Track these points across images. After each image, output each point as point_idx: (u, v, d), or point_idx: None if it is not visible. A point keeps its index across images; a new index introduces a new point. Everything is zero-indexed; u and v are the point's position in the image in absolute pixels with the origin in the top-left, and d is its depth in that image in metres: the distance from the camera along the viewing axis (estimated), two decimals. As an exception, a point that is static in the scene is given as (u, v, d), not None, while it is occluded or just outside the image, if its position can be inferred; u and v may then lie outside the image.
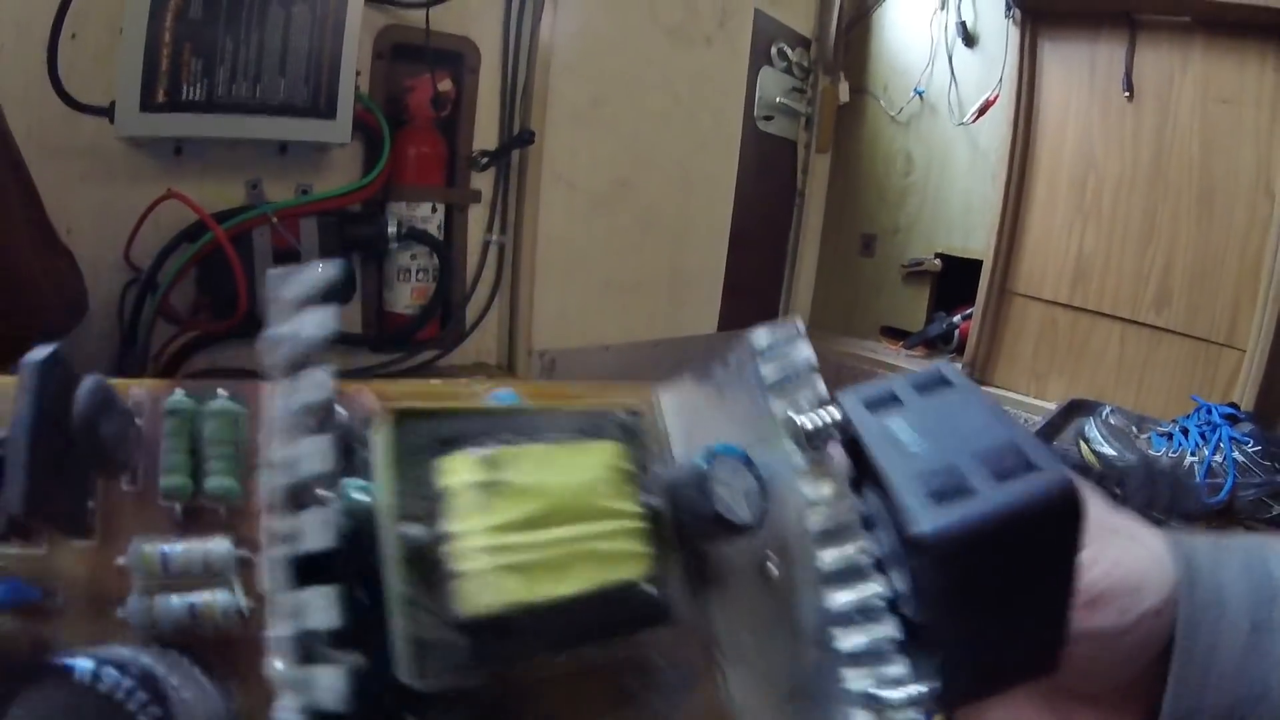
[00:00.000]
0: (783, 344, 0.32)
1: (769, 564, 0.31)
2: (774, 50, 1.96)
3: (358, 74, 1.17)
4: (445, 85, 1.28)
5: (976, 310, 1.87)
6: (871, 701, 0.26)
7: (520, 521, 0.27)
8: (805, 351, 0.31)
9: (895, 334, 2.16)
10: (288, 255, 1.16)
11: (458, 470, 0.28)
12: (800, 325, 0.32)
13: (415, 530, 0.26)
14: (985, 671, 0.27)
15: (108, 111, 0.98)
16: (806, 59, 2.07)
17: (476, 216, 1.44)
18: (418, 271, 1.32)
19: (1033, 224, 1.84)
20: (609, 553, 0.28)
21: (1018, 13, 1.79)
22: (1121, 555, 0.30)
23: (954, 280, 2.01)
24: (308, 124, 1.11)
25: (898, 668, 0.26)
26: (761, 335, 0.33)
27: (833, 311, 2.32)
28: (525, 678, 0.29)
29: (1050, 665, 0.27)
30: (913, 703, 0.25)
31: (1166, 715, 0.29)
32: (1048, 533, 0.24)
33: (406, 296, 1.32)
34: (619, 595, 0.28)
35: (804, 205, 2.19)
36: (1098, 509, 0.29)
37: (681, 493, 0.30)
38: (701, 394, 0.36)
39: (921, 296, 2.10)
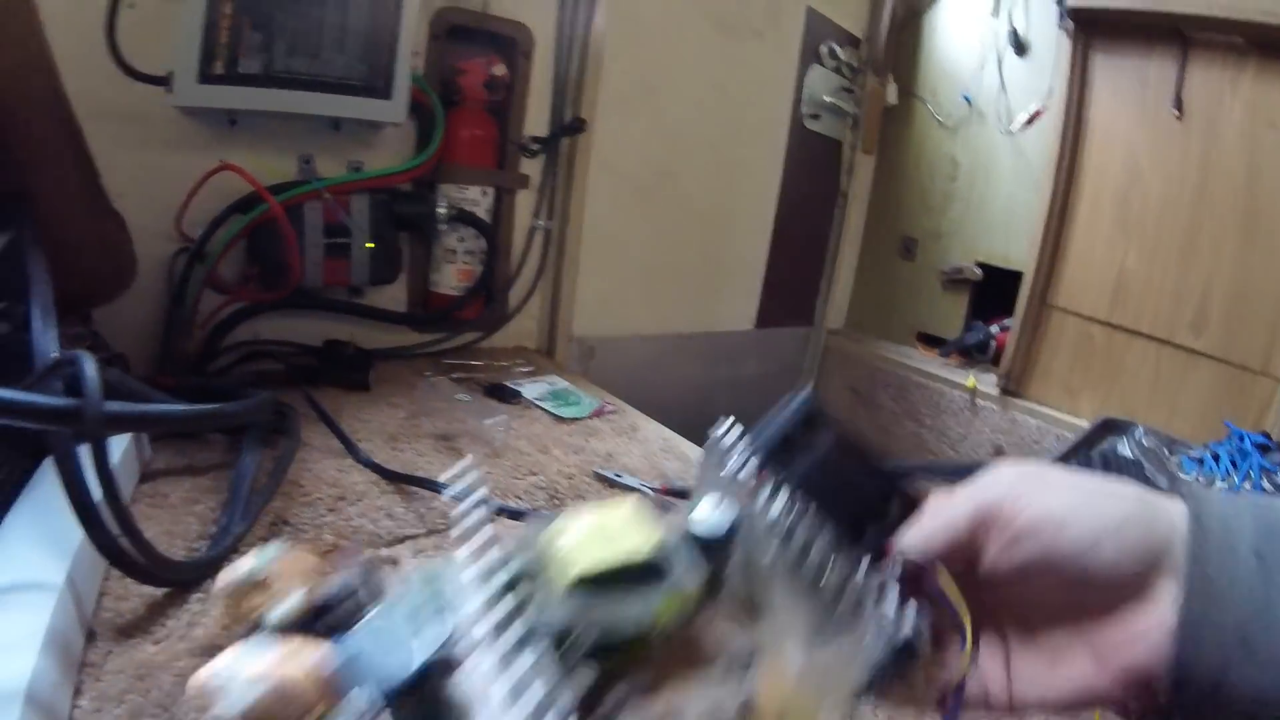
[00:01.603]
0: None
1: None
2: (824, 49, 1.96)
3: (414, 54, 1.17)
4: (499, 69, 1.28)
5: (1014, 321, 1.86)
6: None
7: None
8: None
9: (931, 340, 2.15)
10: (338, 230, 1.17)
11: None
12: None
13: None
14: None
15: (165, 81, 0.99)
16: (856, 59, 2.06)
17: (524, 201, 1.45)
18: (464, 253, 1.32)
19: (1075, 238, 1.83)
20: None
21: (1070, 24, 1.78)
22: (1042, 498, 0.36)
23: (993, 289, 2.01)
24: (364, 102, 1.12)
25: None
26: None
27: (869, 314, 2.31)
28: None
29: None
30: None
31: (1178, 624, 0.33)
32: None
33: (452, 277, 1.33)
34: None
35: (846, 206, 2.18)
36: (1048, 470, 0.38)
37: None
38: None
39: (959, 304, 2.09)
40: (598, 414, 1.17)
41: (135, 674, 0.51)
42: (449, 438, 0.99)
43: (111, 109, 0.99)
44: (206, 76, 1.00)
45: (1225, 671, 0.32)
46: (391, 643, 0.33)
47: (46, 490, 0.62)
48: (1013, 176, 1.96)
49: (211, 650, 0.53)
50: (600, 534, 0.36)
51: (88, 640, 0.53)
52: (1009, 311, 1.89)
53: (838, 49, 1.98)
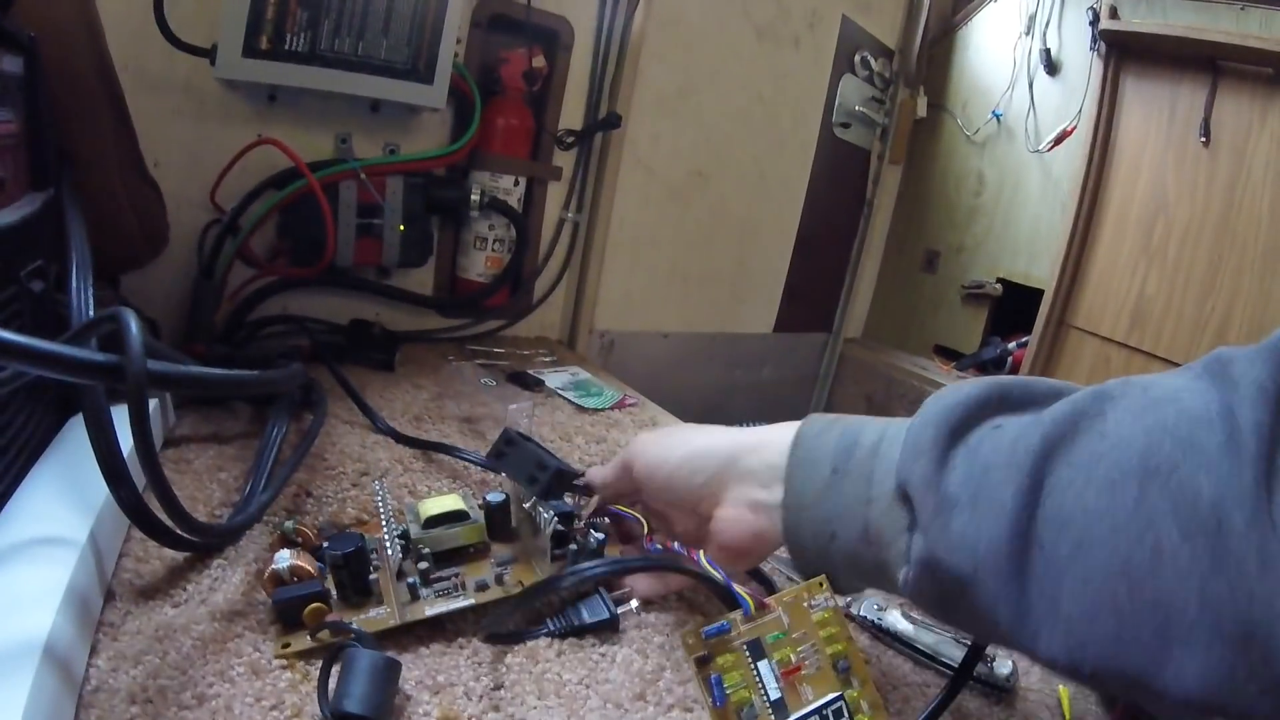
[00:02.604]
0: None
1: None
2: (858, 58, 1.96)
3: (457, 41, 1.18)
4: (539, 61, 1.29)
5: (1032, 340, 1.86)
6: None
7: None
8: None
9: (948, 354, 2.15)
10: (372, 211, 1.18)
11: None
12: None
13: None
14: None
15: (209, 53, 0.99)
16: (888, 70, 2.07)
17: (555, 193, 1.46)
18: (494, 241, 1.33)
19: (1097, 259, 1.83)
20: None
21: (1103, 46, 1.78)
22: (648, 450, 0.64)
23: (1012, 306, 2.01)
24: (405, 86, 1.13)
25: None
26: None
27: (888, 325, 2.32)
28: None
29: None
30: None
31: (783, 520, 0.54)
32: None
33: (480, 264, 1.34)
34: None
35: (871, 215, 2.18)
36: (667, 430, 0.67)
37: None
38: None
39: (979, 319, 2.09)
40: (619, 406, 1.17)
41: (154, 635, 0.51)
42: (473, 420, 1.00)
43: (154, 77, 1.00)
44: (251, 51, 1.00)
45: (823, 551, 0.51)
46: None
47: (73, 446, 0.63)
48: (1039, 195, 1.97)
49: (231, 616, 0.54)
50: (439, 503, 0.64)
51: (106, 600, 0.54)
52: (1028, 329, 1.89)
53: (871, 59, 1.99)
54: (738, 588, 0.51)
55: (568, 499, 0.66)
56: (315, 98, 1.12)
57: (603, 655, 0.57)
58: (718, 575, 0.53)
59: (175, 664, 0.49)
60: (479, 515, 0.64)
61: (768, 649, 0.49)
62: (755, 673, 0.48)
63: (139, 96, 0.88)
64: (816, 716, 0.48)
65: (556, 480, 0.64)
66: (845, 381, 2.28)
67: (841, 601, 0.67)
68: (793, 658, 0.49)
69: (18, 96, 0.65)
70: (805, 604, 0.52)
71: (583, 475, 0.68)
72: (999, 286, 2.03)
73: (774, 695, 0.48)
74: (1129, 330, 1.77)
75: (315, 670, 0.49)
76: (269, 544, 0.63)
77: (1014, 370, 1.93)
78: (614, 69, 1.45)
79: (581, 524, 0.64)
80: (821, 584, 0.52)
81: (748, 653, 0.49)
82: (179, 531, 0.56)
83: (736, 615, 0.50)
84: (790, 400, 2.25)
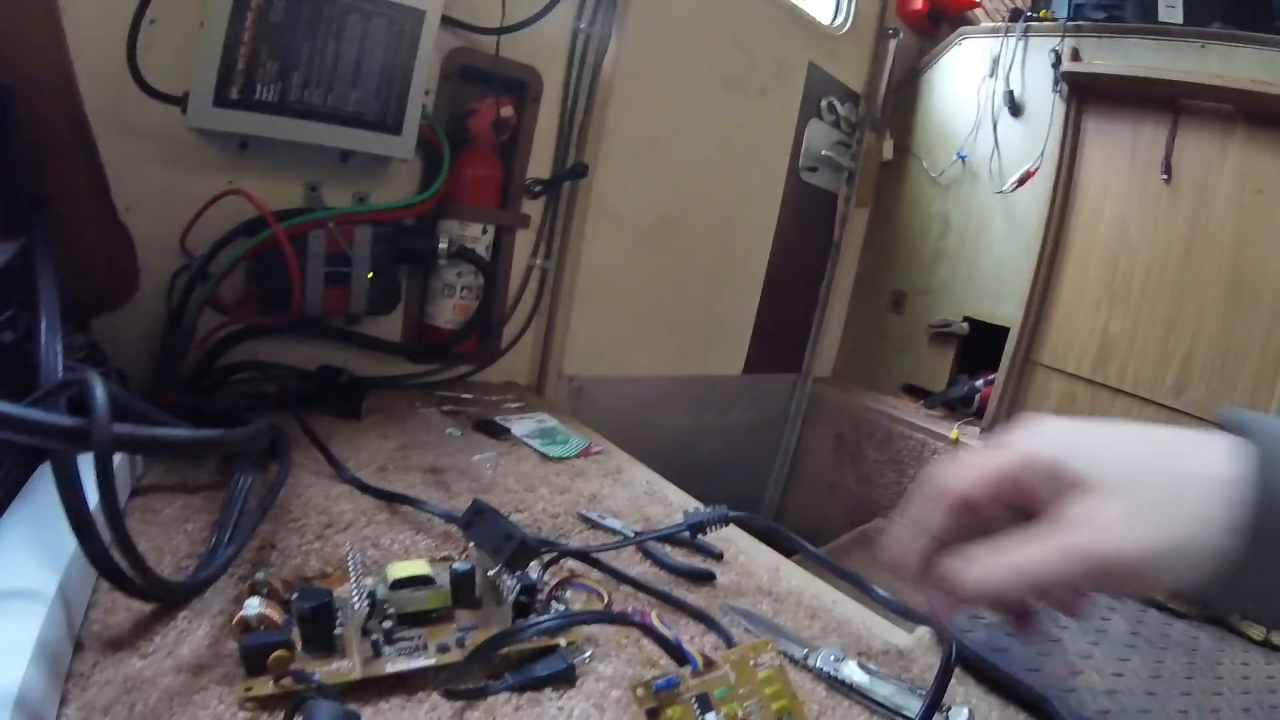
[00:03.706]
0: None
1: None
2: (824, 103, 2.00)
3: (426, 92, 1.20)
4: (507, 111, 1.31)
5: (999, 377, 1.89)
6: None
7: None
8: None
9: (917, 392, 2.18)
10: (340, 259, 1.19)
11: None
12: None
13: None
14: None
15: (181, 101, 1.00)
16: (854, 114, 2.11)
17: (524, 240, 1.48)
18: (462, 289, 1.34)
19: (1062, 298, 1.86)
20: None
21: (1065, 87, 1.82)
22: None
23: (979, 345, 2.04)
24: (374, 137, 1.14)
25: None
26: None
27: (857, 365, 2.34)
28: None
29: None
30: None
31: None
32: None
33: (449, 311, 1.35)
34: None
35: (839, 257, 2.22)
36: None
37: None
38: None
39: (946, 358, 2.12)
40: (585, 454, 1.18)
41: (122, 687, 0.52)
42: (438, 471, 1.00)
43: (127, 124, 1.01)
44: (221, 100, 1.02)
45: None
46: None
47: (41, 497, 0.63)
48: (1004, 236, 2.00)
49: (197, 669, 0.55)
50: (406, 567, 0.64)
51: (75, 651, 0.54)
52: (994, 366, 1.92)
53: (837, 104, 2.03)
54: (686, 645, 0.53)
55: (531, 571, 0.68)
56: (286, 146, 1.13)
57: (560, 709, 0.58)
58: (667, 633, 0.55)
59: (143, 715, 0.50)
60: (445, 581, 0.65)
61: (715, 703, 0.51)
62: (703, 724, 0.50)
63: (111, 142, 0.89)
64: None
65: (521, 551, 0.65)
66: (815, 421, 2.30)
67: (797, 653, 0.69)
68: (739, 711, 0.51)
69: (-9, 146, 0.66)
70: (751, 662, 0.53)
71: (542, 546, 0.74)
72: (965, 325, 2.06)
73: (722, 746, 0.49)
74: (1094, 367, 1.80)
75: (278, 723, 0.49)
76: (235, 596, 0.64)
77: (981, 407, 1.95)
78: (582, 118, 1.47)
79: (544, 596, 0.67)
80: (767, 644, 0.54)
81: (696, 706, 0.50)
82: (145, 585, 0.56)
83: (685, 671, 0.52)
84: (761, 441, 2.27)
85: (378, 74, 1.12)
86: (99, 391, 0.48)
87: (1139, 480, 0.39)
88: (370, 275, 1.22)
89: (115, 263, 0.96)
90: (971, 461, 0.44)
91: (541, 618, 0.60)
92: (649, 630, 0.57)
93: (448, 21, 1.22)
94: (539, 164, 1.44)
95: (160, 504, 0.78)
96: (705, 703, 0.50)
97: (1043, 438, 0.43)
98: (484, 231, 1.35)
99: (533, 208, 1.46)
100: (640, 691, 0.50)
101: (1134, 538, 0.38)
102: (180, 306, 1.07)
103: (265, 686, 0.53)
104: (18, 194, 0.70)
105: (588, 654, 0.63)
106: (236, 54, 1.01)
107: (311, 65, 1.07)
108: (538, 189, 1.44)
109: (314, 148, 1.15)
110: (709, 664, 0.53)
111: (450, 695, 0.57)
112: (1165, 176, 1.68)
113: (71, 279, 0.75)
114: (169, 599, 0.61)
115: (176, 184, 1.08)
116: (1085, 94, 1.82)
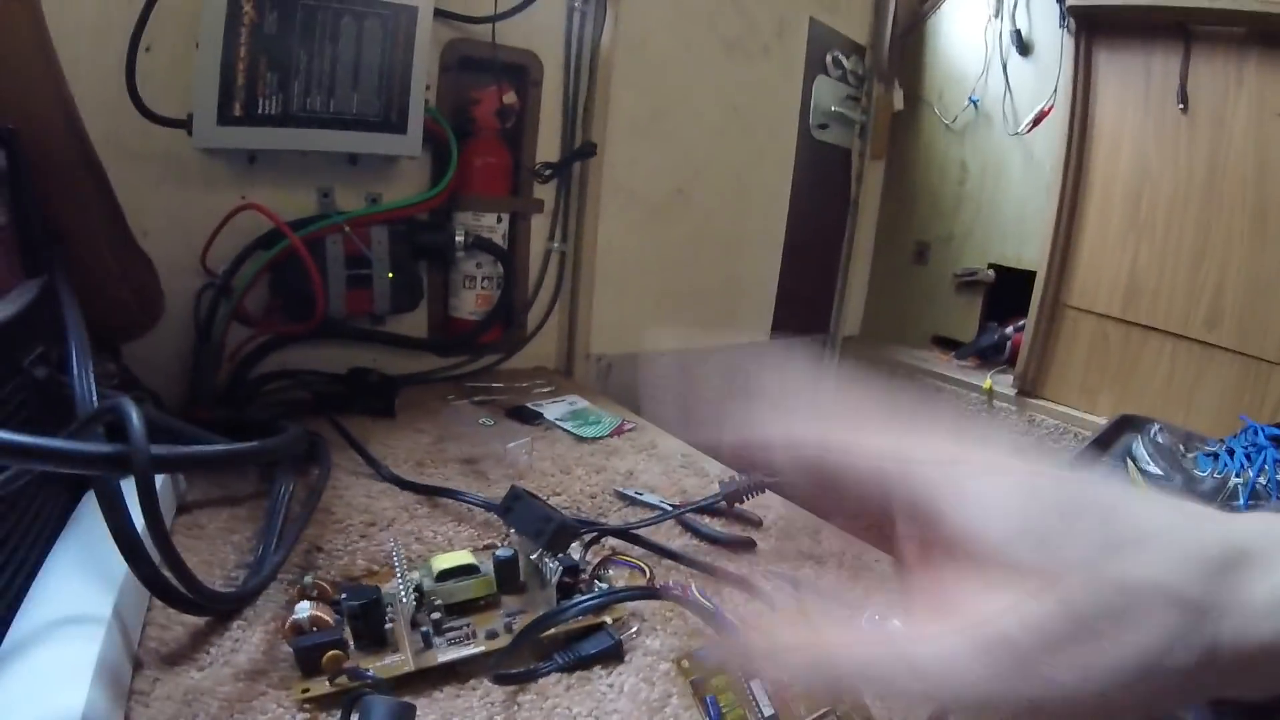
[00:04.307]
0: None
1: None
2: (829, 58, 1.98)
3: (427, 87, 1.20)
4: (510, 97, 1.31)
5: (1029, 323, 1.87)
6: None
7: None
8: None
9: (947, 344, 2.16)
10: (359, 261, 1.20)
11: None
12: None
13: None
14: None
15: (185, 124, 1.01)
16: (861, 67, 2.08)
17: (539, 225, 1.48)
18: (482, 279, 1.35)
19: (1086, 237, 1.83)
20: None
21: (1072, 22, 1.79)
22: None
23: (1006, 291, 2.01)
24: (380, 138, 1.15)
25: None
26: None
27: (885, 320, 2.33)
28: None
29: None
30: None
31: None
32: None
33: (471, 303, 1.36)
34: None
35: (857, 213, 2.19)
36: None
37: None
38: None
39: (974, 307, 2.10)
40: (617, 432, 1.19)
41: (182, 700, 0.53)
42: (474, 461, 1.01)
43: (135, 150, 1.02)
44: (225, 118, 1.03)
45: None
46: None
47: (88, 524, 0.64)
48: (1022, 178, 1.98)
49: (254, 675, 0.56)
50: (451, 558, 0.66)
51: (135, 669, 0.56)
52: (1023, 312, 1.90)
53: (843, 58, 2.00)
54: (727, 614, 0.53)
55: (573, 552, 0.69)
56: (294, 156, 1.15)
57: (610, 686, 0.59)
58: (707, 604, 0.55)
59: (205, 725, 0.51)
60: (489, 569, 0.66)
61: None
62: (748, 692, 0.50)
63: (121, 170, 0.90)
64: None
65: (560, 533, 0.66)
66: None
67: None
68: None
69: (3, 189, 0.67)
70: None
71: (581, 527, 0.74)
72: (991, 272, 2.04)
73: (767, 712, 0.50)
74: (1124, 305, 1.77)
75: (336, 720, 0.50)
76: (286, 601, 0.65)
77: (1013, 355, 1.94)
78: (586, 97, 1.47)
79: (586, 576, 0.68)
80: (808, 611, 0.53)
81: (740, 673, 0.50)
82: (197, 599, 0.58)
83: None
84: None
85: (377, 74, 1.12)
86: (134, 416, 0.49)
87: (1067, 581, 0.30)
88: (390, 274, 1.23)
89: (139, 288, 0.97)
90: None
91: (582, 598, 0.61)
92: (688, 603, 0.57)
93: (441, 14, 1.22)
94: (547, 147, 1.44)
95: (206, 518, 0.80)
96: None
97: None
98: (499, 220, 1.36)
99: (545, 192, 1.47)
100: (685, 663, 0.50)
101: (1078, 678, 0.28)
102: (207, 324, 1.09)
103: (321, 686, 0.54)
104: (35, 232, 0.72)
105: (634, 629, 0.64)
106: (235, 70, 1.01)
107: (310, 73, 1.07)
108: (547, 172, 1.44)
109: (322, 154, 1.16)
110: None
111: (500, 680, 0.58)
112: (1181, 106, 1.64)
113: (98, 308, 0.76)
114: (222, 610, 0.63)
115: (190, 204, 1.10)
116: (1093, 27, 1.78)
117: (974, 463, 0.37)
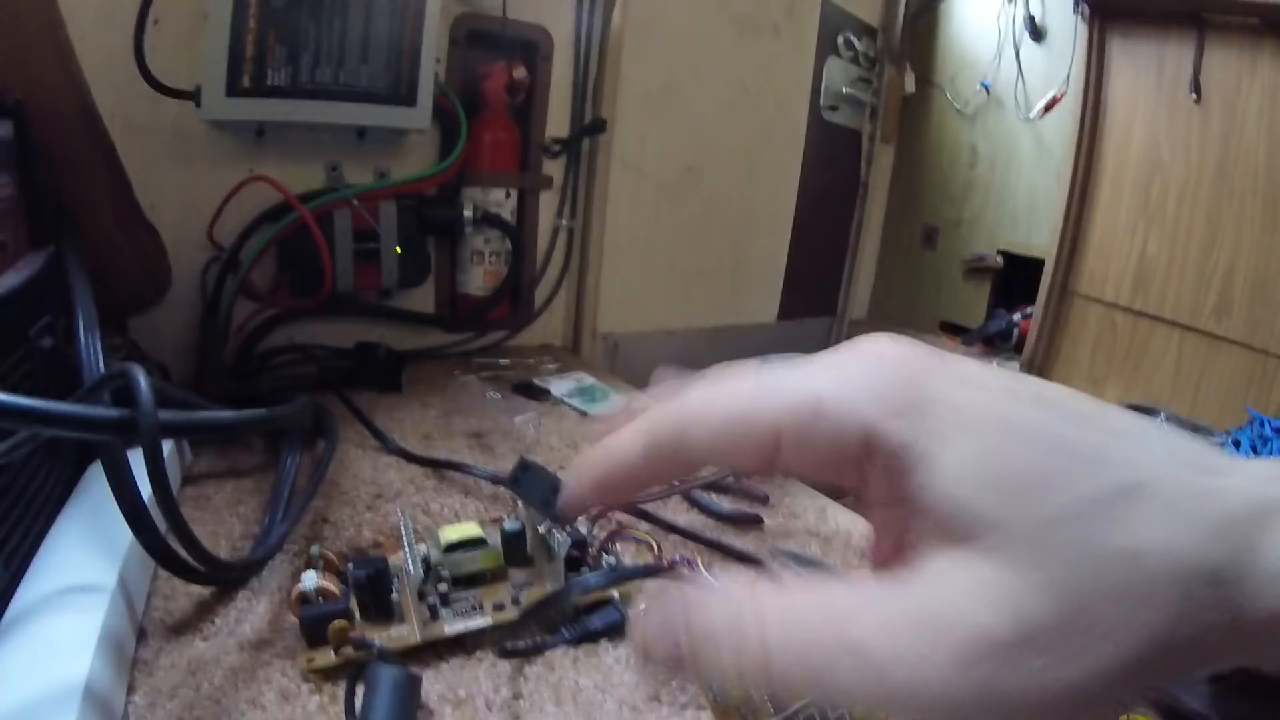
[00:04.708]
0: None
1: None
2: (840, 40, 1.96)
3: (436, 61, 1.19)
4: (520, 73, 1.30)
5: (1037, 309, 1.87)
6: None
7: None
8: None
9: (955, 329, 2.16)
10: (367, 236, 1.20)
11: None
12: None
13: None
14: None
15: (193, 95, 1.01)
16: (873, 49, 2.06)
17: (547, 201, 1.47)
18: (490, 255, 1.35)
19: (1096, 224, 1.83)
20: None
21: (1086, 8, 1.78)
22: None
23: (1015, 277, 2.01)
24: (389, 110, 1.14)
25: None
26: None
27: (892, 304, 2.33)
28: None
29: None
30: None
31: None
32: None
33: (479, 278, 1.36)
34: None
35: (867, 196, 2.18)
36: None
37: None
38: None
39: (982, 292, 2.10)
40: (624, 410, 1.18)
41: (187, 669, 0.53)
42: (481, 435, 1.01)
43: (142, 123, 1.02)
44: (234, 90, 1.01)
45: None
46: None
47: (93, 494, 0.65)
48: (1033, 164, 1.97)
49: (259, 645, 0.56)
50: (458, 530, 0.64)
51: (139, 639, 0.56)
52: (1031, 299, 1.90)
53: (854, 40, 1.99)
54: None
55: (580, 526, 0.69)
56: (302, 129, 1.14)
57: (617, 660, 0.59)
58: (712, 580, 0.55)
59: (209, 695, 0.51)
60: (496, 541, 0.66)
61: None
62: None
63: (128, 143, 0.89)
64: (813, 707, 0.49)
65: None
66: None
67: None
68: None
69: (10, 159, 0.67)
70: None
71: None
72: (1000, 259, 2.04)
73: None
74: (1133, 293, 1.77)
75: (342, 692, 0.50)
76: (292, 572, 0.65)
77: (1020, 341, 1.94)
78: (596, 73, 1.46)
79: (594, 550, 0.67)
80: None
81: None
82: (203, 569, 0.58)
83: None
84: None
85: (386, 47, 1.11)
86: (142, 381, 0.49)
87: (1048, 546, 0.23)
88: (399, 249, 1.23)
89: (146, 261, 0.97)
90: (708, 395, 0.29)
91: (587, 576, 0.61)
92: (694, 582, 0.57)
93: (452, -12, 1.21)
94: (556, 123, 1.43)
95: (212, 490, 0.80)
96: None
97: (862, 376, 0.27)
98: (507, 196, 1.35)
99: (553, 168, 1.46)
100: None
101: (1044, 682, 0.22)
102: (214, 297, 1.09)
103: (327, 656, 0.54)
104: (42, 204, 0.71)
105: (642, 606, 0.64)
106: (244, 42, 1.00)
107: (320, 45, 1.06)
108: (557, 149, 1.43)
109: (330, 127, 1.15)
110: None
111: (505, 654, 0.58)
112: (1194, 96, 1.64)
113: (105, 282, 0.76)
114: (227, 580, 0.63)
115: (197, 177, 1.09)
116: (1107, 14, 1.77)
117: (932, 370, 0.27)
